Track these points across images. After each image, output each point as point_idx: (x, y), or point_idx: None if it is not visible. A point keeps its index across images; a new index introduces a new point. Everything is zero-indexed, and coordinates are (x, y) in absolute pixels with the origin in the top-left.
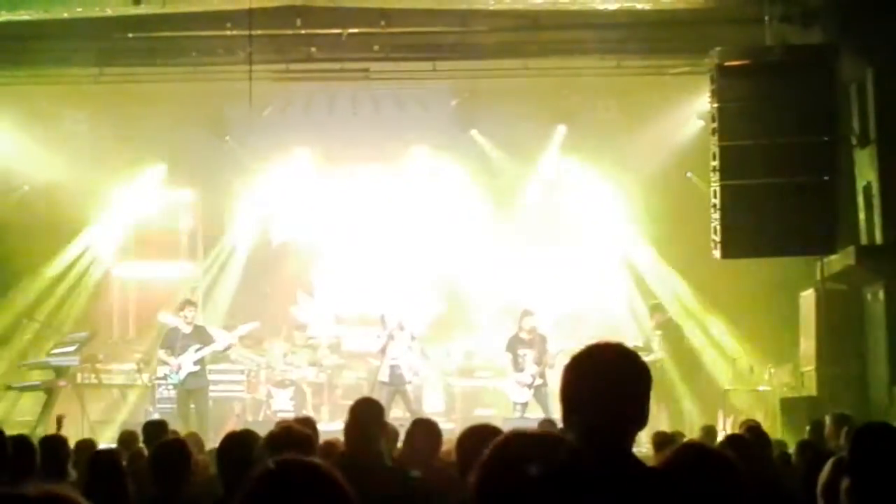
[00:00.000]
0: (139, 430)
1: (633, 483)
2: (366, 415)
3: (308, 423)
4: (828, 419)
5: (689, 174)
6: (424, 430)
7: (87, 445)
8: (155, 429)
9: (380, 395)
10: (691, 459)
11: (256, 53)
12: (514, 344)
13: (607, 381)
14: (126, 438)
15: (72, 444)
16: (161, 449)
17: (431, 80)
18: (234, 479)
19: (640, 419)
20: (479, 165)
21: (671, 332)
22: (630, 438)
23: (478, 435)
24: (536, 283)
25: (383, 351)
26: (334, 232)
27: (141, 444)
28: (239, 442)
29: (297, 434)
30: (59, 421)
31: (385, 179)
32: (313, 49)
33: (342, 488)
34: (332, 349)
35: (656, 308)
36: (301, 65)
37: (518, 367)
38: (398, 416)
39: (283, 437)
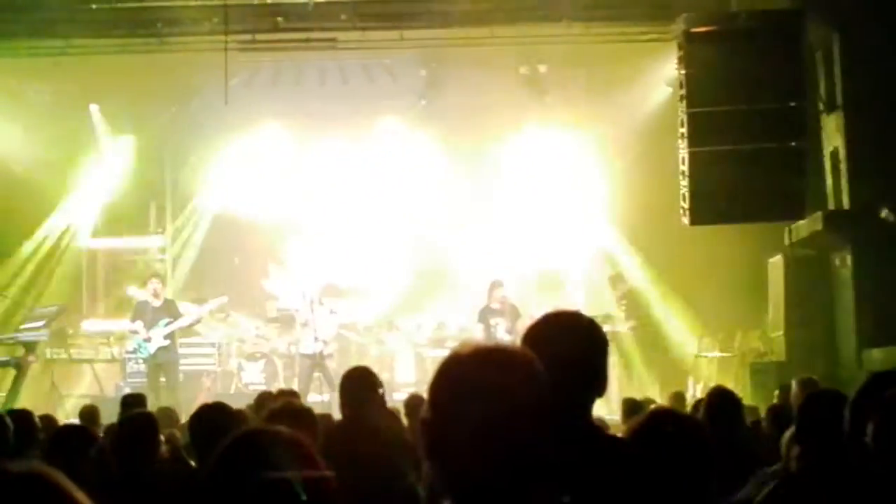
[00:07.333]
0: (103, 406)
1: (595, 450)
2: (357, 381)
3: (293, 395)
4: (794, 384)
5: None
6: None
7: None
8: (134, 402)
9: (301, 367)
10: (659, 425)
11: (223, 24)
12: (485, 314)
13: (563, 349)
14: (87, 413)
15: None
16: (127, 423)
17: (399, 50)
18: (206, 450)
19: (598, 387)
20: (448, 135)
21: (634, 302)
22: (588, 406)
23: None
24: (507, 252)
25: (305, 324)
26: (305, 204)
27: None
28: (211, 413)
29: (297, 407)
30: None
31: (354, 150)
32: (280, 19)
33: (309, 453)
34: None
35: (617, 278)
36: (268, 35)
37: (490, 336)
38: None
39: (282, 410)
